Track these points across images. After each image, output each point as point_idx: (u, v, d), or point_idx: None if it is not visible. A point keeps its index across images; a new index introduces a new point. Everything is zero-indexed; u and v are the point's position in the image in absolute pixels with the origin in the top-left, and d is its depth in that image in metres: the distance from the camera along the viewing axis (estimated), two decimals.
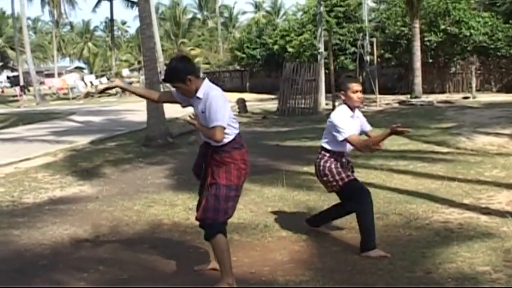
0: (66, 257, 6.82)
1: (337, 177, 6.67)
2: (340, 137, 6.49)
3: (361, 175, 11.00)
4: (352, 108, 6.68)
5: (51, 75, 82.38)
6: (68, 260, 6.71)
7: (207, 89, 5.39)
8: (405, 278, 5.61)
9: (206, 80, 5.46)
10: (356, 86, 6.61)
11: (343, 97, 6.71)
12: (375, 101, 30.53)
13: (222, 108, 5.29)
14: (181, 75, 5.37)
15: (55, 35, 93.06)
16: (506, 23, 36.92)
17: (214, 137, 5.27)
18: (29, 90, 55.93)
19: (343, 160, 6.81)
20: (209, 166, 5.55)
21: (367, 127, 6.94)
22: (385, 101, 32.11)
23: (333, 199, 9.08)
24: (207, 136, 5.39)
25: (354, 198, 6.58)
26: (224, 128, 5.28)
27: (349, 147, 6.72)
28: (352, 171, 6.97)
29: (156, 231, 7.85)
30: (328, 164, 6.74)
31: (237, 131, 5.51)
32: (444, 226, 7.29)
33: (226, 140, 5.38)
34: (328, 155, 6.79)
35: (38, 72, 61.76)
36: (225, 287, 5.44)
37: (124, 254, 6.85)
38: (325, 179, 6.77)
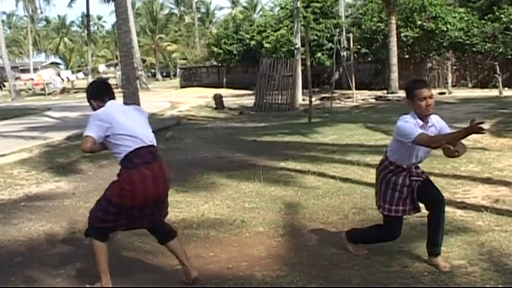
0: (42, 254, 6.78)
1: (381, 201, 6.05)
2: (409, 140, 5.65)
3: (338, 170, 11.10)
4: (422, 118, 5.74)
5: (26, 71, 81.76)
6: (44, 256, 6.67)
7: None
8: (382, 273, 5.65)
9: (107, 103, 5.58)
10: (424, 92, 5.69)
11: (411, 106, 5.84)
12: (351, 97, 30.65)
13: (92, 121, 5.38)
14: (87, 97, 5.82)
15: (30, 30, 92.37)
16: (482, 19, 37.23)
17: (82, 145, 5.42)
18: (4, 86, 55.45)
19: (404, 174, 5.90)
20: None
21: (446, 131, 5.85)
22: (362, 97, 32.27)
23: (311, 195, 9.14)
24: None
25: (383, 226, 6.16)
26: (93, 140, 5.32)
27: (415, 160, 5.90)
28: (418, 185, 5.94)
29: None
30: (386, 178, 6.01)
31: (129, 149, 5.32)
32: (420, 221, 7.31)
33: (118, 157, 5.42)
34: (388, 165, 5.97)
35: (13, 68, 61.22)
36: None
37: None
38: (377, 189, 6.22)
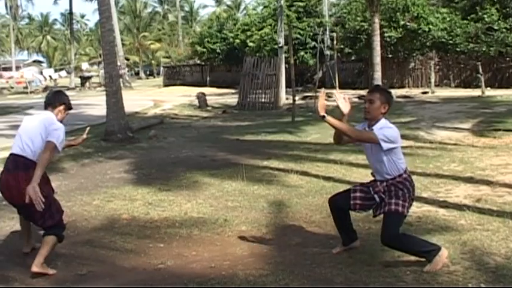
0: (23, 253, 6.73)
1: None
2: None
3: (321, 169, 11.11)
4: (368, 121, 5.94)
5: (8, 69, 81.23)
6: (25, 255, 6.61)
7: None
8: (364, 272, 5.65)
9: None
10: (366, 96, 5.99)
11: None
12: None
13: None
14: None
15: (12, 27, 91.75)
16: (465, 19, 37.37)
17: None
18: None
19: (372, 177, 6.07)
20: None
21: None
22: (345, 96, 32.27)
23: (294, 194, 9.14)
24: None
25: None
26: None
27: (370, 164, 6.02)
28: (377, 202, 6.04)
29: (115, 226, 7.78)
30: None
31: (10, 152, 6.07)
32: None
33: None
34: None
35: None
36: None
37: (83, 249, 6.78)
38: None
